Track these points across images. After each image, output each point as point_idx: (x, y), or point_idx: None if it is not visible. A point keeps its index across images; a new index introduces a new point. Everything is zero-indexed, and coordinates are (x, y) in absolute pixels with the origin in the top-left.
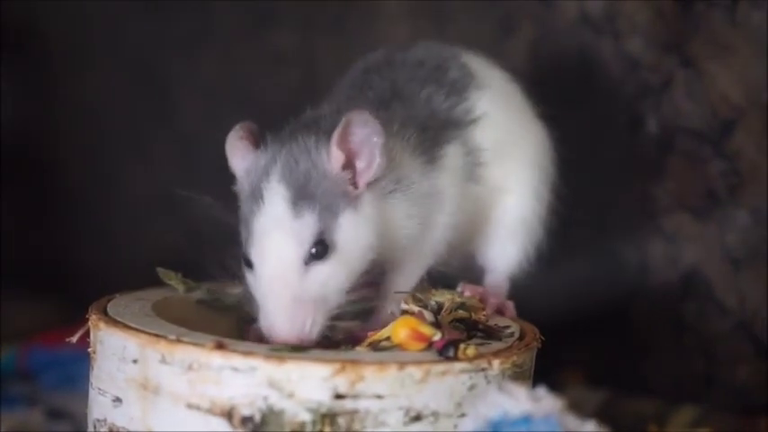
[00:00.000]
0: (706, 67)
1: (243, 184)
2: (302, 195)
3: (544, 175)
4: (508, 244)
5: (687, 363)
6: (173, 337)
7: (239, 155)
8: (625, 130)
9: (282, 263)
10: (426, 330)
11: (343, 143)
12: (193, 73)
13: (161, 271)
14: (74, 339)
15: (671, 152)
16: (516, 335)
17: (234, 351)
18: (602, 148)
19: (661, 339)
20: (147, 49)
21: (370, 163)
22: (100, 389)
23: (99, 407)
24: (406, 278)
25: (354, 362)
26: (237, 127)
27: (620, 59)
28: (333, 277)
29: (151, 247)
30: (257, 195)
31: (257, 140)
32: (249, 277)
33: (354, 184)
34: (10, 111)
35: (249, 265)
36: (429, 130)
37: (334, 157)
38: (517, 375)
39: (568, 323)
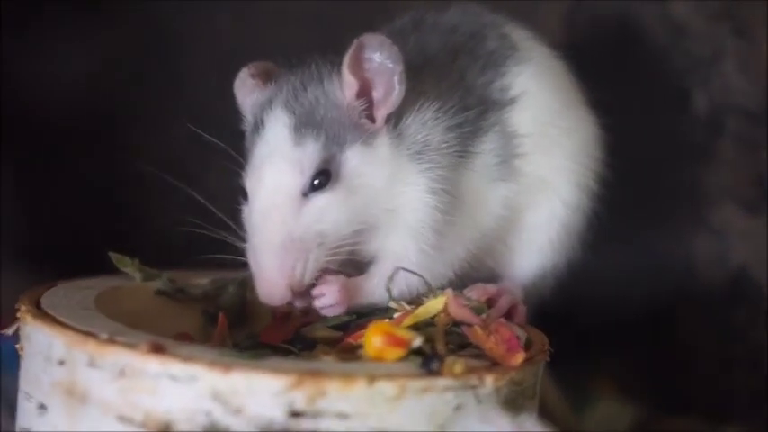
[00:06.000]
0: (761, 36)
1: (248, 119)
2: (306, 122)
3: (590, 171)
4: (534, 249)
5: (735, 377)
6: (104, 336)
7: (247, 92)
8: (669, 108)
9: (278, 192)
10: (403, 334)
11: (357, 69)
12: (206, 37)
13: (114, 256)
14: (9, 332)
15: (720, 135)
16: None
17: (173, 355)
18: (643, 128)
19: (705, 349)
20: (157, 10)
21: (387, 92)
22: (26, 393)
23: (24, 414)
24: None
25: (315, 373)
26: (250, 65)
27: (664, 27)
28: (333, 210)
29: (161, 222)
30: (259, 124)
31: (269, 79)
32: (244, 211)
33: (372, 118)
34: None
35: (245, 197)
36: (466, 111)
37: (346, 84)
38: (516, 395)
39: (602, 327)
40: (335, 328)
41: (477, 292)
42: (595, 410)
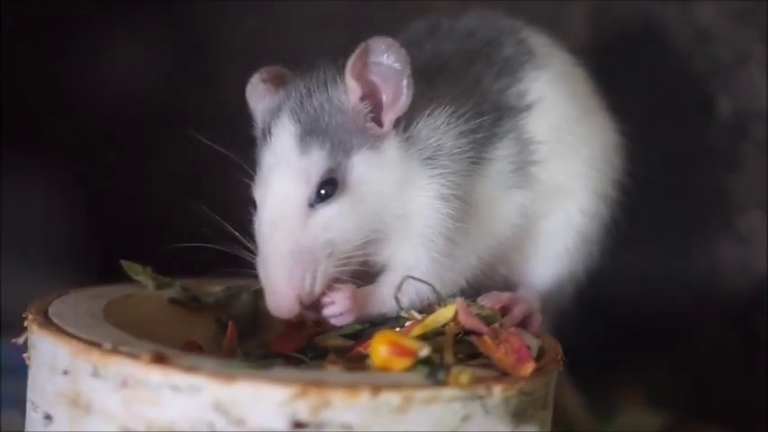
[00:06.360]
0: None
1: (258, 126)
2: (311, 130)
3: (608, 179)
4: (550, 257)
5: (759, 385)
6: (108, 345)
7: (259, 97)
8: (693, 112)
9: (285, 204)
10: (410, 343)
11: (362, 73)
12: (235, 39)
13: (126, 264)
14: (20, 341)
15: (744, 139)
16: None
17: (175, 366)
18: (666, 132)
19: (730, 357)
20: (188, 13)
21: (395, 96)
22: (33, 402)
23: (31, 424)
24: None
25: (319, 383)
26: (262, 69)
27: (688, 30)
28: (341, 220)
29: (192, 229)
30: (266, 133)
31: (282, 84)
32: (255, 221)
33: (379, 122)
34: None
35: (255, 207)
36: (480, 116)
37: (349, 88)
38: (526, 405)
39: (625, 334)
40: (348, 337)
41: (490, 301)
42: (620, 418)
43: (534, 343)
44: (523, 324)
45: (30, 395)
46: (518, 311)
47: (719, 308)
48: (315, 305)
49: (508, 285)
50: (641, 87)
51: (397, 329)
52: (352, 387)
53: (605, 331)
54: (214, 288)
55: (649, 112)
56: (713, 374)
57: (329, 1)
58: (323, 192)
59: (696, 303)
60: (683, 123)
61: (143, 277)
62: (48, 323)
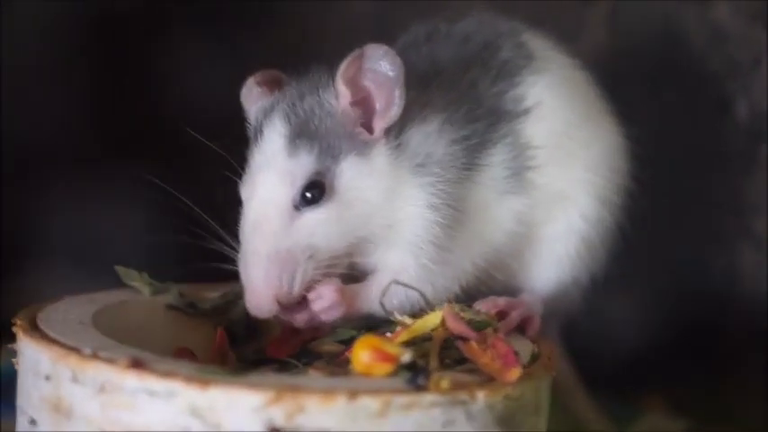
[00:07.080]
0: None
1: (251, 126)
2: (301, 133)
3: (612, 184)
4: (552, 261)
5: None
6: (87, 350)
7: (253, 100)
8: (710, 114)
9: (269, 204)
10: (391, 349)
11: (355, 79)
12: (262, 43)
13: (121, 270)
14: (14, 347)
15: (762, 141)
16: (523, 360)
17: (151, 371)
18: (683, 135)
19: (750, 362)
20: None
21: (387, 104)
22: (20, 407)
23: (19, 429)
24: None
25: (294, 389)
26: (258, 73)
27: (705, 30)
28: (326, 226)
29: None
30: (258, 132)
31: (278, 87)
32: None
33: (370, 129)
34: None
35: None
36: (474, 122)
37: (339, 92)
38: (513, 411)
39: (646, 341)
40: (343, 342)
41: (486, 305)
42: (639, 423)
43: (526, 348)
44: (522, 329)
45: (18, 400)
46: (515, 316)
47: (739, 312)
48: (296, 308)
49: (510, 291)
50: (659, 89)
51: (388, 335)
52: (328, 392)
53: (624, 337)
54: (212, 294)
55: (667, 114)
56: (733, 379)
57: (355, 6)
58: (308, 195)
59: (714, 307)
60: (700, 125)
61: (138, 283)
62: (33, 329)
